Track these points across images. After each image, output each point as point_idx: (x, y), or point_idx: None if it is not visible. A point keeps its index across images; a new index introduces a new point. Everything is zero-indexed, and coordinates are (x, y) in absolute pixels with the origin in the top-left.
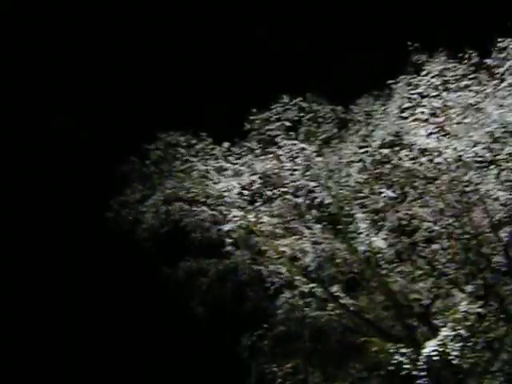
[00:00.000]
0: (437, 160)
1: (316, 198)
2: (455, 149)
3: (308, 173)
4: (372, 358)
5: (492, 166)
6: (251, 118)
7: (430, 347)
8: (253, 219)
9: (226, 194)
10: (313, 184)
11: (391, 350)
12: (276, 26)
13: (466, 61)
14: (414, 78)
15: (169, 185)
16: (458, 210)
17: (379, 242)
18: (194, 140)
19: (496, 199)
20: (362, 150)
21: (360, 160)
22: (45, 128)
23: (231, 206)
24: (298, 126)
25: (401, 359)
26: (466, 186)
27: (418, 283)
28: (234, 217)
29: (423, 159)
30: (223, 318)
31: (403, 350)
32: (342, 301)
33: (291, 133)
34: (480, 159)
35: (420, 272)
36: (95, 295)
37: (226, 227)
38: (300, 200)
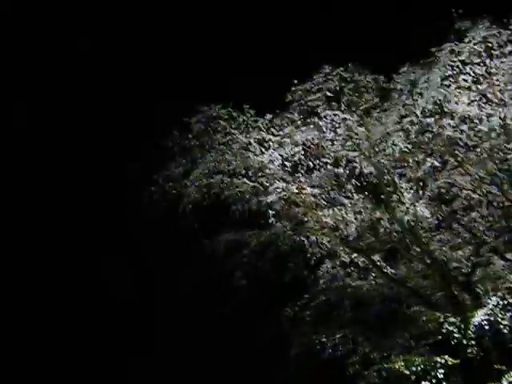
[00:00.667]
0: (478, 127)
1: (356, 168)
2: (501, 117)
3: (349, 143)
4: (419, 328)
5: None
6: (293, 89)
7: (479, 316)
8: (295, 190)
9: (268, 165)
10: (353, 154)
11: (440, 320)
12: None
13: (510, 26)
14: (457, 45)
15: (210, 158)
16: (498, 177)
17: (424, 210)
18: (235, 113)
19: None
20: (407, 120)
21: (404, 129)
22: (87, 99)
23: (273, 178)
24: (339, 96)
25: (450, 328)
26: (508, 154)
27: (457, 251)
28: (277, 188)
29: (464, 127)
30: (265, 290)
31: (452, 320)
32: (384, 270)
33: (333, 103)
34: None
35: (459, 240)
36: (138, 268)
37: (269, 199)
38: (340, 170)
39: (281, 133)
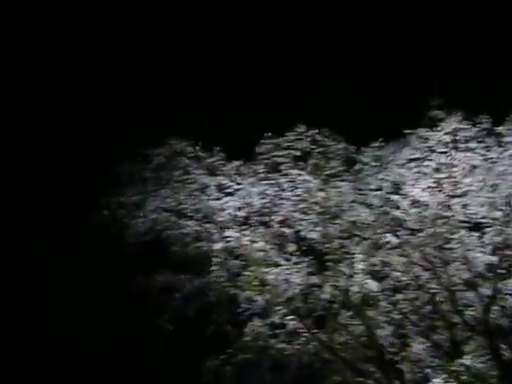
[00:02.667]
0: (424, 213)
1: (300, 231)
2: (449, 207)
3: (302, 205)
4: None
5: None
6: (263, 141)
7: None
8: (246, 242)
9: (219, 212)
10: (304, 217)
11: None
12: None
13: (478, 125)
14: (428, 131)
15: (164, 194)
16: (433, 264)
17: (373, 284)
18: (203, 153)
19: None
20: (374, 193)
21: (366, 202)
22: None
23: (222, 225)
24: (307, 157)
25: None
26: (447, 243)
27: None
28: (226, 237)
29: (413, 210)
30: (190, 337)
31: None
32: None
33: (300, 163)
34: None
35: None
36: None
37: (215, 246)
38: (287, 230)
39: (243, 181)
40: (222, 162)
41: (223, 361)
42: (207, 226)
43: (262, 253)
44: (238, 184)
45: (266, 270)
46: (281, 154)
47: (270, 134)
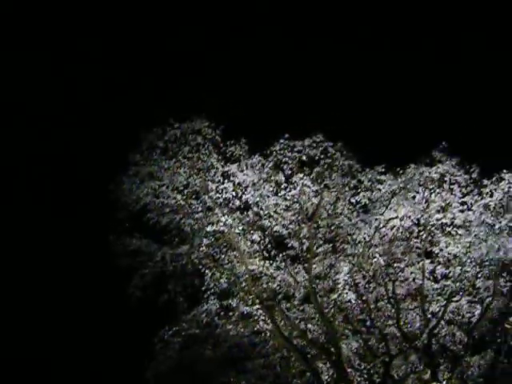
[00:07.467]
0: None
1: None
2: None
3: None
4: None
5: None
6: (280, 141)
7: None
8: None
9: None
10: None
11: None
12: None
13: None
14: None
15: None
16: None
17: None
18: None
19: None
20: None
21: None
22: None
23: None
24: (313, 164)
25: None
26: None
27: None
28: (219, 221)
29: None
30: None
31: None
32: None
33: (305, 168)
34: None
35: None
36: None
37: (208, 228)
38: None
39: (248, 173)
40: (241, 152)
41: (175, 332)
42: (193, 202)
43: (248, 242)
44: (245, 175)
45: (244, 258)
46: (291, 155)
47: (287, 135)
